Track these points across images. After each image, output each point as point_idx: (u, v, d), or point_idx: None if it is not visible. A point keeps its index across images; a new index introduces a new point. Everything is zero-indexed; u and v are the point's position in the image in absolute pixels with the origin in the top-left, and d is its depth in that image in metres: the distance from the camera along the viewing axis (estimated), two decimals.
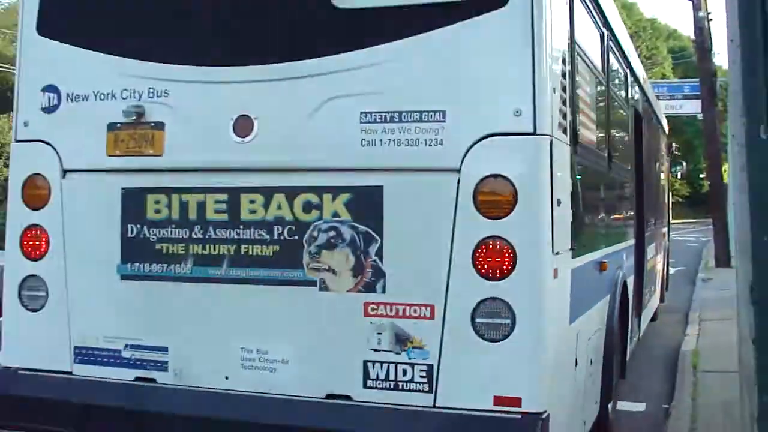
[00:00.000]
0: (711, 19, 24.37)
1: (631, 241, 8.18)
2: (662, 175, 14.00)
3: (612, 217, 6.72)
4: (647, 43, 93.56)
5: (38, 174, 4.90)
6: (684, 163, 24.39)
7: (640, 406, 8.12)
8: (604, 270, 5.94)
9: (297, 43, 4.36)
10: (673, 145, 17.64)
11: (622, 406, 7.71)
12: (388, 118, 4.15)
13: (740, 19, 3.88)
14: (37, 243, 4.89)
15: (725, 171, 33.00)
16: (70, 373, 4.80)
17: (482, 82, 4.07)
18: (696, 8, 23.87)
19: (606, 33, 6.34)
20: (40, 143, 4.90)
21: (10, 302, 4.97)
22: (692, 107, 32.07)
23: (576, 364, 4.81)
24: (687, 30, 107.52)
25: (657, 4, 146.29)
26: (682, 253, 27.89)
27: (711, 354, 9.96)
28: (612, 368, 6.03)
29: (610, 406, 6.09)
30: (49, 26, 4.93)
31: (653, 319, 12.45)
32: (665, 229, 14.29)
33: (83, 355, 4.81)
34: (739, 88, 3.94)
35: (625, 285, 6.99)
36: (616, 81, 7.40)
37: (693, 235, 48.37)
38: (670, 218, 16.15)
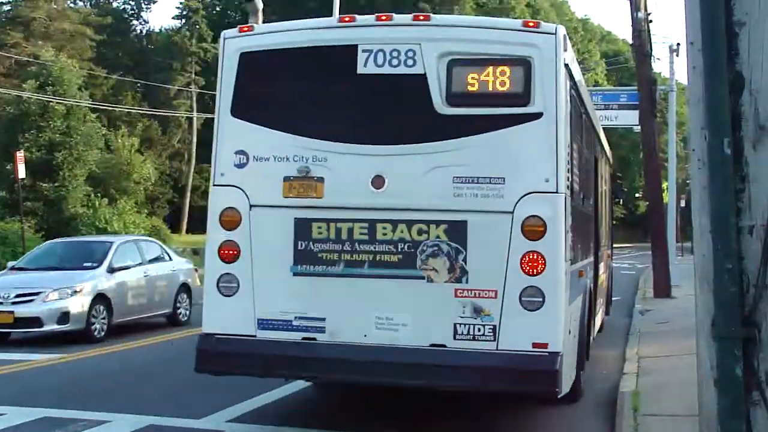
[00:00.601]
0: (651, 21, 24.93)
1: (591, 259, 12.45)
2: (609, 203, 18.64)
3: (584, 239, 10.86)
4: (578, 45, 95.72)
5: (232, 207, 8.37)
6: (626, 190, 28.88)
7: None
8: (581, 276, 10.19)
9: (413, 132, 8.09)
10: (617, 174, 22.79)
11: None
12: (470, 181, 7.84)
13: (702, 19, 3.88)
14: (231, 252, 8.34)
15: (665, 189, 33.85)
16: (254, 336, 8.24)
17: (527, 161, 7.80)
18: (634, 8, 24.29)
19: (583, 111, 10.73)
20: (233, 187, 8.40)
21: (209, 291, 8.40)
22: (629, 118, 32.52)
23: (569, 332, 8.44)
24: (622, 32, 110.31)
25: (590, 3, 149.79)
26: (617, 282, 28.41)
27: (653, 395, 10.14)
28: (583, 346, 10.32)
29: (582, 373, 10.21)
30: (239, 111, 8.51)
31: (600, 329, 15.72)
32: (610, 251, 19.51)
33: (264, 324, 8.23)
34: (700, 97, 3.95)
35: (590, 290, 11.52)
36: (587, 141, 11.54)
37: (628, 261, 49.44)
38: (613, 241, 21.23)
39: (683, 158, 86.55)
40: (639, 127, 27.95)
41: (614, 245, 22.34)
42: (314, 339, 8.11)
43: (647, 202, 27.77)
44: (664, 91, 34.17)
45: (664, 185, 34.54)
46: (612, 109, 34.06)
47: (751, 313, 3.81)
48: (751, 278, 3.83)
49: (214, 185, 8.52)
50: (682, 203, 68.53)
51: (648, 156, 25.77)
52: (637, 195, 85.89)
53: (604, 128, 19.75)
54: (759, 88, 3.87)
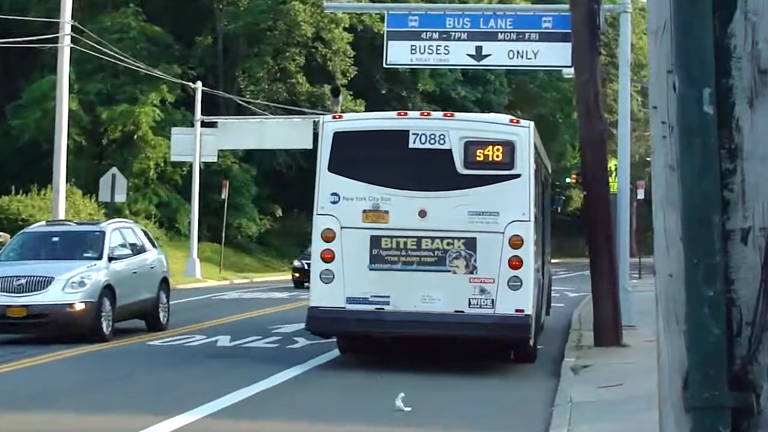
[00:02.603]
0: None
1: (541, 262, 30.06)
2: (548, 215, 37.11)
3: (538, 248, 28.97)
4: None
5: (330, 228, 25.57)
6: (563, 198, 47.97)
7: None
8: (537, 272, 28.27)
9: (443, 184, 25.60)
10: (555, 183, 41.97)
11: None
12: (478, 214, 25.08)
13: None
14: (329, 255, 25.49)
15: (614, 172, 34.29)
16: (344, 308, 25.25)
17: (511, 203, 25.26)
18: None
19: (542, 165, 31.03)
20: (330, 216, 25.69)
21: (314, 281, 26.04)
22: (556, 56, 32.70)
23: (534, 306, 26.66)
24: None
25: None
26: None
27: None
28: (539, 322, 29.23)
29: (537, 339, 27.47)
30: (333, 168, 25.73)
31: (540, 328, 29.48)
32: (550, 258, 38.61)
33: (350, 300, 25.22)
34: (665, 22, 3.93)
35: (541, 282, 30.33)
36: (541, 177, 30.96)
37: (554, 287, 50.02)
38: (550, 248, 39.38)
39: (642, 121, 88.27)
40: (572, 70, 28.33)
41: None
42: (383, 309, 23.16)
43: (584, 192, 28.05)
44: (613, 12, 34.81)
45: (612, 164, 35.03)
46: (530, 40, 33.45)
47: (745, 369, 3.79)
48: (745, 312, 3.81)
49: (317, 214, 23.64)
50: (640, 193, 69.40)
51: (586, 117, 26.31)
52: (568, 180, 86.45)
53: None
54: (758, 8, 3.88)
